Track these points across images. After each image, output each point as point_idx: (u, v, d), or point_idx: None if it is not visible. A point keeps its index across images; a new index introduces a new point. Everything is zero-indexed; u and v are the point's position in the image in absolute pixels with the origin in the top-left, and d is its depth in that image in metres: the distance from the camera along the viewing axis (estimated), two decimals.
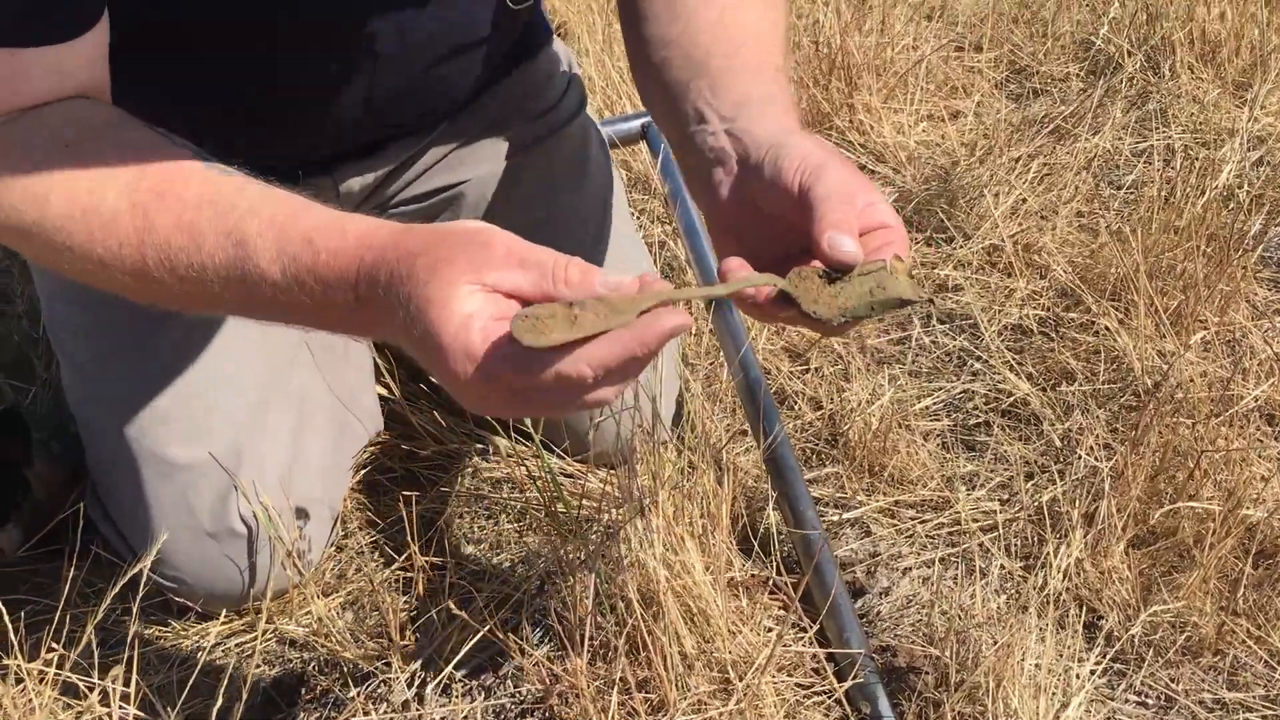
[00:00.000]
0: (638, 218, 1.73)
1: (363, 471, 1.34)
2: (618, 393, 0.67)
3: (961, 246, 1.65)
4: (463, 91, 1.21)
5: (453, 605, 1.00)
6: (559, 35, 2.39)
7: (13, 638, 0.97)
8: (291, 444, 1.18)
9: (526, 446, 1.34)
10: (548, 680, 1.01)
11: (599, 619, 1.04)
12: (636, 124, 1.66)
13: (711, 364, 1.48)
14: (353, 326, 0.76)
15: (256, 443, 1.15)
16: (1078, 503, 1.21)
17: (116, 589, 0.98)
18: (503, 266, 0.67)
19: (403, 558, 1.22)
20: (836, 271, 0.73)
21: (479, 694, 1.03)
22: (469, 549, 1.28)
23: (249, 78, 1.02)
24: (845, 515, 1.27)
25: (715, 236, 0.89)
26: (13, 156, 0.81)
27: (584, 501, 1.26)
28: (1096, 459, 1.27)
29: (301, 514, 1.16)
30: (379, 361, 1.32)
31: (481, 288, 0.66)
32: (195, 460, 1.13)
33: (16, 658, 0.97)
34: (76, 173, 0.80)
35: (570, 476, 1.31)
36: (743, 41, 0.95)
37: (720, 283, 0.72)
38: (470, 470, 1.36)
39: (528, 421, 1.29)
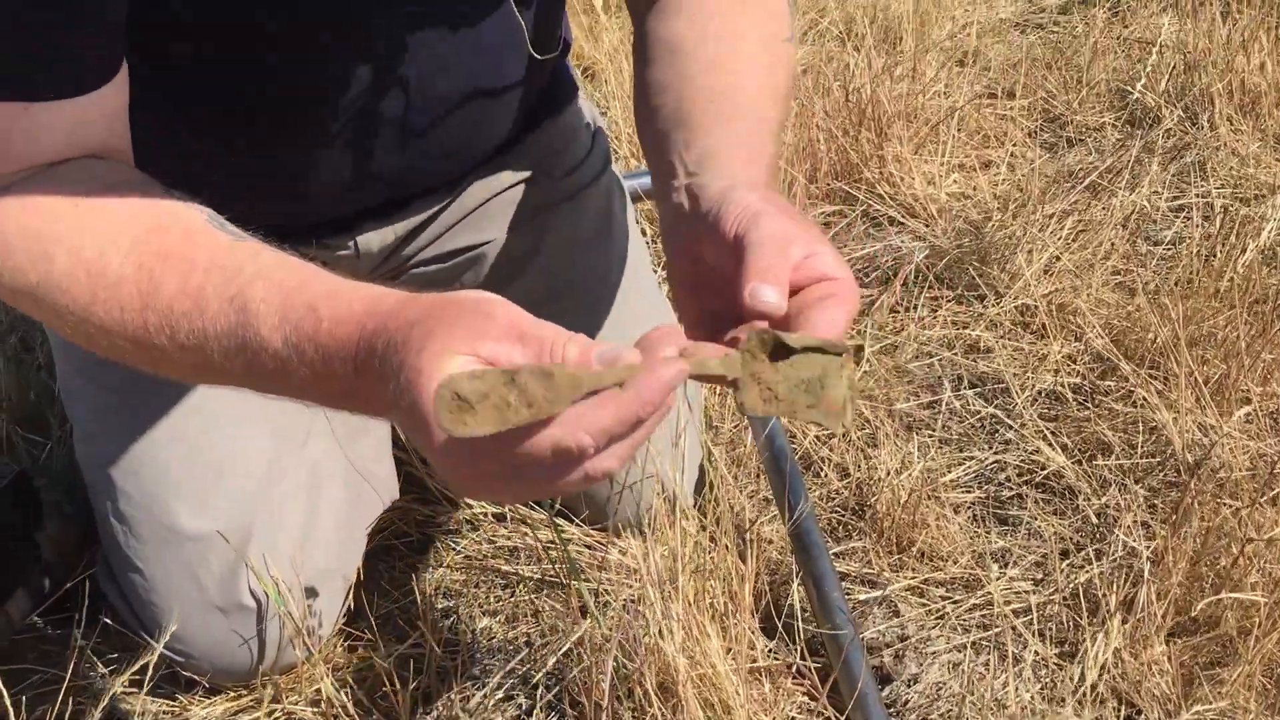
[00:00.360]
0: (660, 273, 1.70)
1: (378, 536, 1.31)
2: (624, 461, 0.62)
3: (993, 305, 1.61)
4: (487, 142, 1.18)
5: (462, 716, 0.97)
6: (586, 78, 2.38)
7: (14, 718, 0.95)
8: (305, 513, 1.15)
9: (543, 513, 1.31)
10: None
11: (616, 705, 1.01)
12: None
13: (735, 426, 1.45)
14: (354, 402, 0.71)
15: (268, 513, 1.13)
16: (1116, 587, 1.17)
17: (124, 677, 0.95)
18: (501, 338, 0.62)
19: (416, 635, 1.19)
20: (788, 344, 0.66)
21: None
22: (484, 621, 1.24)
23: (268, 99, 0.99)
24: (873, 594, 1.23)
25: (673, 292, 0.84)
26: (18, 215, 0.78)
27: (602, 575, 1.22)
28: (1135, 540, 1.22)
29: (312, 592, 1.13)
30: (399, 432, 1.29)
31: (476, 359, 0.62)
32: (204, 531, 1.10)
33: None
34: (83, 233, 0.77)
35: (590, 547, 1.28)
36: (726, 89, 0.92)
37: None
38: (488, 536, 1.33)
39: None
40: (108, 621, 1.18)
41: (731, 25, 0.96)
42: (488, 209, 1.25)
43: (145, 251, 0.75)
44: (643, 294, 1.34)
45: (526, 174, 1.26)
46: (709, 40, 0.95)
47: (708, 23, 0.96)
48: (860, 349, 0.68)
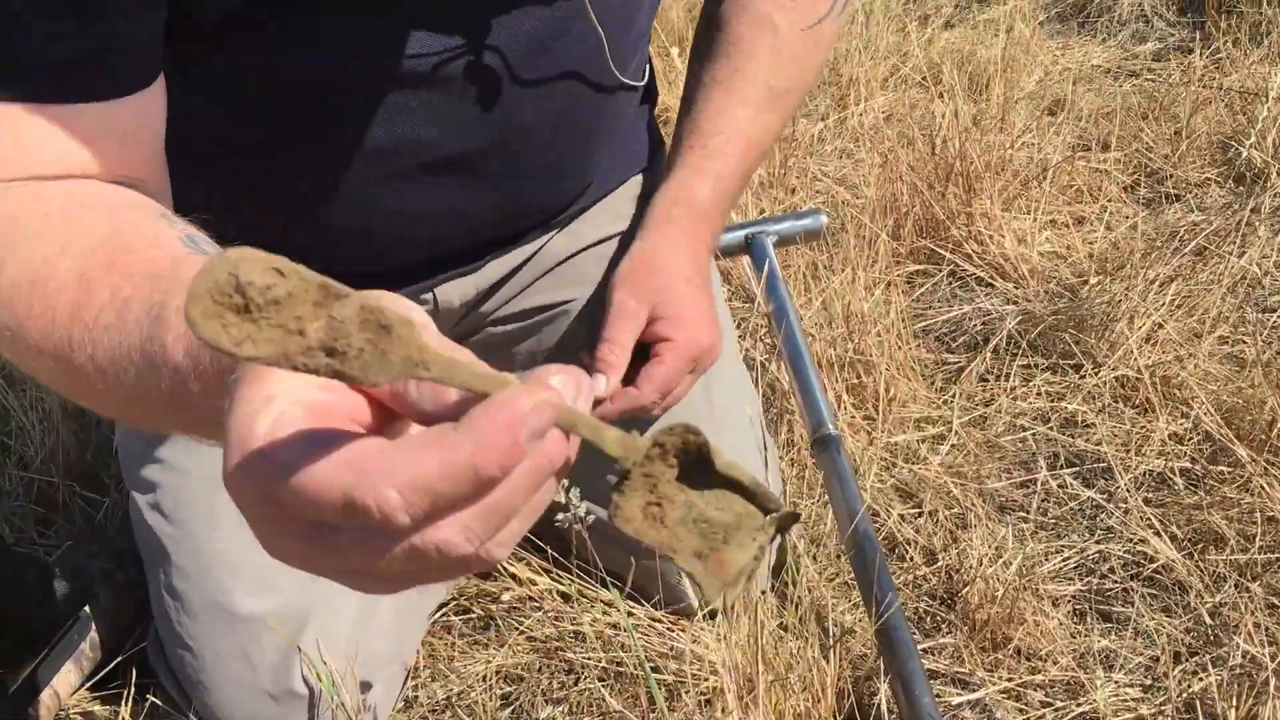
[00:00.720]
0: (737, 329, 1.63)
1: (438, 612, 1.25)
2: (478, 538, 0.42)
3: (1091, 376, 1.52)
4: (575, 178, 1.13)
5: None
6: (662, 124, 2.32)
7: None
8: (364, 598, 1.09)
9: (617, 590, 1.24)
10: None
11: None
12: (740, 235, 1.56)
13: (816, 502, 1.37)
14: None
15: (327, 597, 1.07)
16: (1236, 700, 1.06)
17: None
18: None
19: None
20: (713, 463, 0.49)
21: None
22: (546, 711, 1.17)
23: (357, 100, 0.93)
24: (966, 696, 1.14)
25: None
26: None
27: (673, 664, 1.15)
28: (1255, 647, 1.12)
29: (368, 682, 1.07)
30: None
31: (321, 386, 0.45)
32: (259, 614, 1.05)
33: None
34: (41, 242, 0.67)
35: (661, 634, 1.21)
36: (716, 110, 1.12)
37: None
38: (553, 616, 1.26)
39: (599, 561, 1.19)
40: (156, 701, 1.12)
41: (760, 14, 1.12)
42: (571, 266, 1.19)
43: (92, 261, 0.65)
44: (728, 360, 1.27)
45: (615, 231, 1.20)
46: (728, 38, 1.13)
47: (745, 6, 1.13)
48: (794, 518, 0.52)
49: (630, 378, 1.01)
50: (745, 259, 1.61)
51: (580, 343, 1.22)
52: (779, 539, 0.50)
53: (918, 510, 1.36)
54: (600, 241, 1.20)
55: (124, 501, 1.36)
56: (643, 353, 1.03)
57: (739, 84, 1.13)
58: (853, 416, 1.48)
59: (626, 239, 1.17)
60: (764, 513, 0.50)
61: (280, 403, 0.43)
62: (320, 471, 0.41)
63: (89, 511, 1.39)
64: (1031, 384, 1.52)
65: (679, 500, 0.49)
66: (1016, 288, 1.69)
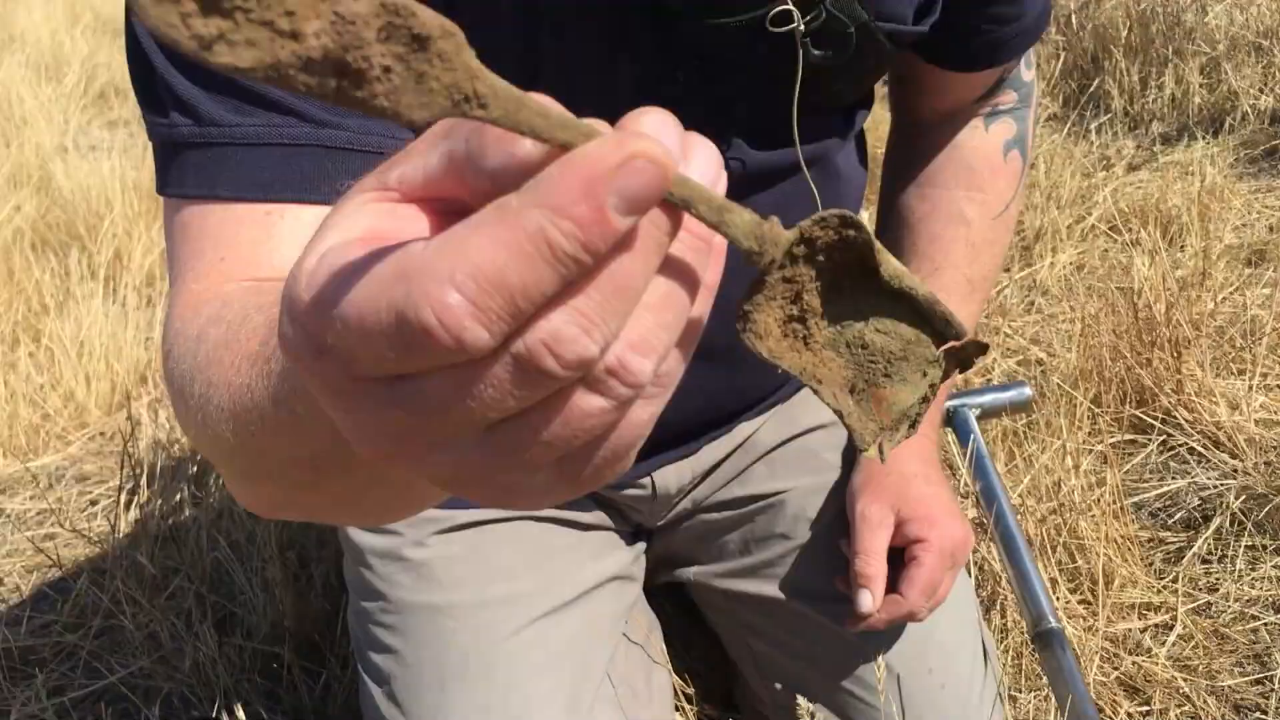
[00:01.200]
0: None
1: None
2: (591, 329, 0.31)
3: None
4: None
5: None
6: None
7: None
8: None
9: None
10: None
11: None
12: (943, 407, 1.55)
13: (1036, 695, 1.32)
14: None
15: None
16: None
17: None
18: (420, 148, 0.35)
19: None
20: (879, 271, 0.38)
21: None
22: None
23: None
24: None
25: None
26: (203, 313, 0.63)
27: None
28: None
29: None
30: (677, 687, 1.23)
31: (378, 194, 0.35)
32: None
33: None
34: (246, 307, 0.58)
35: None
36: None
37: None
38: None
39: None
40: None
41: (953, 210, 1.13)
42: (785, 453, 1.20)
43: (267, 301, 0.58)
44: None
45: (829, 420, 1.20)
46: (924, 238, 1.13)
47: (936, 203, 1.13)
48: (981, 348, 0.40)
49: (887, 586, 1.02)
50: (948, 432, 1.60)
51: (802, 540, 1.21)
52: (955, 372, 0.41)
53: (1146, 708, 1.30)
54: (814, 429, 1.21)
55: (344, 676, 1.40)
56: (893, 558, 1.04)
57: (940, 283, 1.14)
58: (1068, 600, 1.43)
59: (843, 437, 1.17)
60: (939, 340, 0.39)
61: (328, 241, 0.34)
62: (362, 292, 0.31)
63: (310, 685, 1.43)
64: (1259, 569, 1.45)
65: (826, 315, 0.38)
66: (1233, 459, 1.62)
